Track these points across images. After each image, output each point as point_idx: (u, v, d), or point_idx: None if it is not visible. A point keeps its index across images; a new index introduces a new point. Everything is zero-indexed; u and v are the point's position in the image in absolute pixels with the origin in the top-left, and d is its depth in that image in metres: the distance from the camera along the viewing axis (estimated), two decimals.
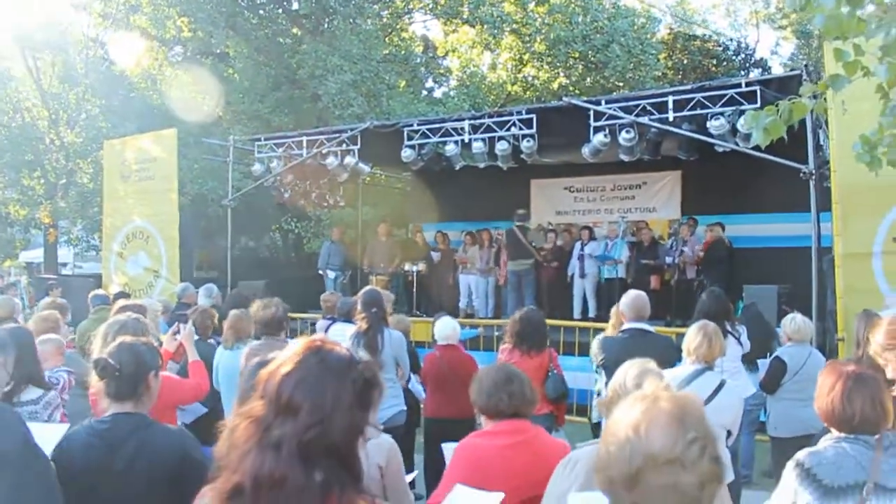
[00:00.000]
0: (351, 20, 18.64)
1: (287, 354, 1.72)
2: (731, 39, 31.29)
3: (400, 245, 14.81)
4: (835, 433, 2.68)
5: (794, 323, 6.12)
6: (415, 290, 13.82)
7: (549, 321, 10.55)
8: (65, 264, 28.79)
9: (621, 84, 22.20)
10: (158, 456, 2.75)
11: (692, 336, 4.35)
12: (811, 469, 2.56)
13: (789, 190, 9.85)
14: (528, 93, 24.10)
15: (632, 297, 5.28)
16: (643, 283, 12.18)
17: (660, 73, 23.99)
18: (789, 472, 2.63)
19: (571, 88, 23.58)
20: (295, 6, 19.71)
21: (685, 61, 28.04)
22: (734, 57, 29.50)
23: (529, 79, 24.41)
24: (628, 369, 2.93)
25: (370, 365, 1.77)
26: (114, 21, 19.78)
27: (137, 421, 2.87)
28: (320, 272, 14.80)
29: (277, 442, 1.61)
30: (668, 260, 12.34)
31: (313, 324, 9.95)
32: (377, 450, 3.18)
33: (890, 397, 2.67)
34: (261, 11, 20.66)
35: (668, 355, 4.42)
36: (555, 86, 23.68)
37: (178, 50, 22.26)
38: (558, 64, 22.90)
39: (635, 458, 1.47)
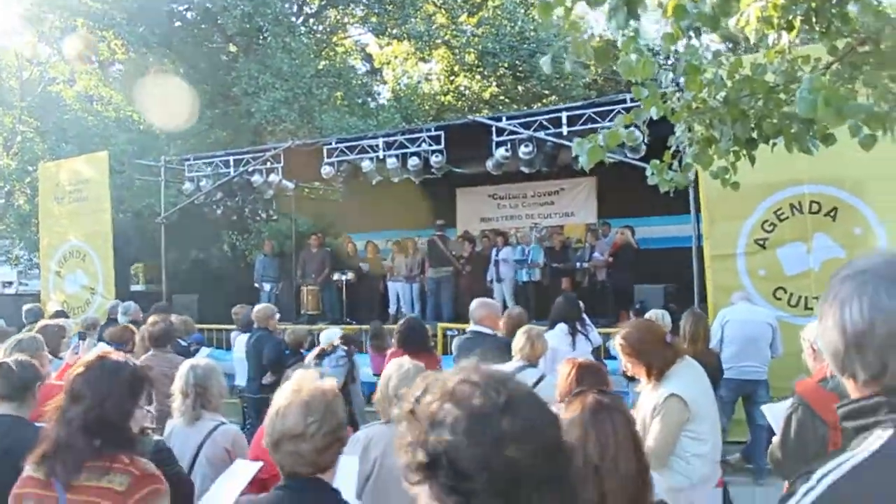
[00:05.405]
0: (282, 39, 19.04)
1: (81, 363, 2.47)
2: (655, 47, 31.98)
3: (330, 255, 15.29)
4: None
5: (665, 319, 7.05)
6: (344, 298, 14.40)
7: (461, 325, 11.35)
8: (10, 283, 29.00)
9: (548, 92, 22.89)
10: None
11: (518, 338, 5.02)
12: None
13: (683, 194, 10.60)
14: (460, 103, 24.65)
15: (474, 304, 5.99)
16: (556, 285, 12.96)
17: (590, 81, 24.54)
18: None
19: (503, 98, 24.27)
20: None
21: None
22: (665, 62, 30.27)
23: (462, 89, 25.03)
24: (393, 373, 3.49)
25: (141, 367, 2.53)
26: (49, 43, 20.08)
27: (16, 421, 3.49)
28: (256, 285, 15.32)
29: (69, 420, 2.36)
30: (578, 264, 13.08)
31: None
32: (224, 436, 3.88)
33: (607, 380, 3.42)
34: (195, 30, 20.96)
35: (501, 354, 5.09)
36: (486, 95, 24.34)
37: (117, 68, 22.45)
38: (489, 74, 23.54)
39: (275, 433, 2.20)
